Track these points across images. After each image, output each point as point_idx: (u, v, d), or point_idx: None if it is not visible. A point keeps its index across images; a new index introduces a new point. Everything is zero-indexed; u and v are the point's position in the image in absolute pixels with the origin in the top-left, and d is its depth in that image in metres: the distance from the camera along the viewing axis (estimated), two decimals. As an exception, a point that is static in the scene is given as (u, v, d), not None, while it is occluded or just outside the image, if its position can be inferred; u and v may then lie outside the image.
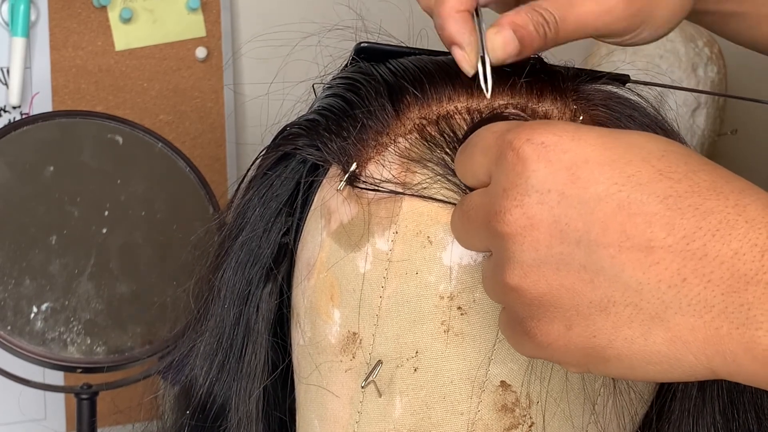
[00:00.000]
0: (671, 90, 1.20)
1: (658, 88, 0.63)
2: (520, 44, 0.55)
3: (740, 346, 0.41)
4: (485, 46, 0.55)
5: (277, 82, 0.68)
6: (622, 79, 0.61)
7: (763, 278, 0.41)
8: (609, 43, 0.62)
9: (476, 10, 0.56)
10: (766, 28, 0.70)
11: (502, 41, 0.55)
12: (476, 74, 0.55)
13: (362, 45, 0.59)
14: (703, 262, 0.42)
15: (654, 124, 0.59)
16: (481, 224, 0.47)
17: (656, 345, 0.43)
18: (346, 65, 0.60)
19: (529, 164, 0.45)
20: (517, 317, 0.47)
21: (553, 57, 0.60)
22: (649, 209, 0.43)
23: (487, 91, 0.55)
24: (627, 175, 0.44)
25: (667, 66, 1.23)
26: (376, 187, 0.55)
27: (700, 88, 1.25)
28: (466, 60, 0.55)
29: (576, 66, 0.60)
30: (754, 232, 0.42)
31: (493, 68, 0.55)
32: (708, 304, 0.42)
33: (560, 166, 0.45)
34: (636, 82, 0.61)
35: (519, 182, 0.45)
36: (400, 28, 0.64)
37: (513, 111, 0.55)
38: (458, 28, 0.55)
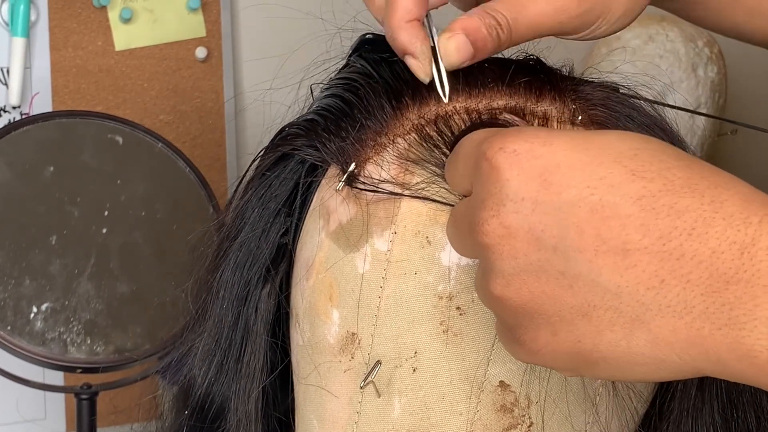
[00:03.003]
0: (671, 90, 1.20)
1: (658, 88, 0.63)
2: (474, 48, 0.55)
3: (723, 346, 0.41)
4: (439, 51, 0.55)
5: (279, 78, 0.68)
6: (611, 89, 0.60)
7: (743, 277, 0.41)
8: (568, 39, 0.62)
9: (427, 15, 0.56)
10: (728, 13, 0.69)
11: (455, 46, 0.55)
12: (432, 81, 0.55)
13: (367, 36, 0.59)
14: (681, 263, 0.42)
15: (653, 123, 0.59)
16: (467, 234, 0.47)
17: (639, 347, 0.43)
18: (349, 57, 0.60)
19: (502, 173, 0.45)
20: (507, 325, 0.47)
21: (553, 57, 0.60)
22: (622, 211, 0.43)
23: (444, 96, 0.55)
24: (599, 177, 0.44)
25: (667, 66, 1.23)
26: (375, 188, 0.55)
27: (700, 88, 1.25)
28: (420, 68, 0.55)
29: (575, 65, 0.60)
30: (732, 230, 0.41)
31: (449, 72, 0.55)
32: (688, 305, 0.42)
33: (533, 173, 0.45)
34: (626, 95, 0.60)
35: (494, 192, 0.45)
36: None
37: (506, 116, 0.55)
38: (409, 38, 0.55)
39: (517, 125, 0.54)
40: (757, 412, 0.57)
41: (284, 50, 0.77)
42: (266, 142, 0.61)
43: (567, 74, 0.59)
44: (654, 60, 1.22)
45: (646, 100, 0.60)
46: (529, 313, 0.45)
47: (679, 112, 0.65)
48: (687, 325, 0.42)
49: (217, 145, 1.33)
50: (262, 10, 1.33)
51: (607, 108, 0.58)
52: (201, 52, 1.31)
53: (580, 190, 0.44)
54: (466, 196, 0.49)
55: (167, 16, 1.29)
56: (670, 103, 0.63)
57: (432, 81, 0.55)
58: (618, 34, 1.35)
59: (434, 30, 0.56)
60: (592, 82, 0.59)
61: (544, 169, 0.44)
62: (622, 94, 0.59)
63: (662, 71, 1.21)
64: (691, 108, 1.23)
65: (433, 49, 0.55)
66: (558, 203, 0.44)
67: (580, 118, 0.56)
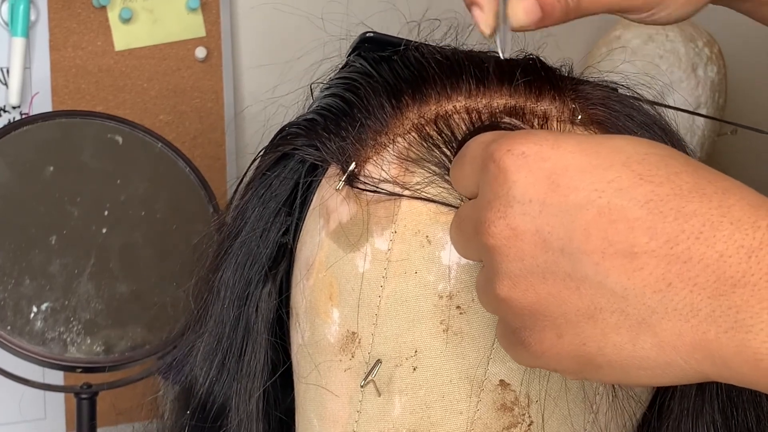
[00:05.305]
0: (671, 89, 1.20)
1: (658, 87, 0.63)
2: (542, 12, 0.55)
3: (729, 349, 0.41)
4: (506, 10, 0.54)
5: (280, 79, 0.68)
6: (610, 88, 0.60)
7: (750, 280, 0.41)
8: (629, 19, 0.61)
9: None
10: None
11: (524, 8, 0.54)
12: (493, 39, 0.55)
13: (368, 34, 0.59)
14: (688, 266, 0.42)
15: (653, 123, 0.59)
16: (472, 236, 0.47)
17: (644, 350, 0.43)
18: (349, 56, 0.60)
19: (509, 175, 0.45)
20: (511, 328, 0.47)
21: (552, 56, 0.60)
22: (630, 214, 0.43)
23: (503, 53, 0.55)
24: (607, 181, 0.44)
25: (667, 66, 1.23)
26: (375, 188, 0.55)
27: (700, 88, 1.25)
28: (483, 20, 0.55)
29: (574, 63, 0.60)
30: (740, 233, 0.41)
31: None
32: (694, 308, 0.42)
33: (541, 175, 0.45)
34: (624, 96, 0.60)
35: (501, 193, 0.45)
36: (401, 33, 0.64)
37: (508, 120, 0.55)
38: None
39: (523, 129, 0.54)
40: (757, 410, 0.58)
41: (284, 50, 0.77)
42: (266, 141, 0.61)
43: (566, 74, 0.59)
44: (654, 60, 1.22)
45: (645, 100, 0.60)
46: (534, 315, 0.45)
47: (679, 111, 0.65)
48: (693, 329, 0.42)
49: (217, 145, 1.33)
50: (262, 10, 1.33)
51: (606, 107, 0.58)
52: (201, 52, 1.31)
53: (588, 192, 0.44)
54: (470, 198, 0.49)
55: (167, 16, 1.29)
56: (670, 102, 0.63)
57: (492, 37, 0.55)
58: (618, 33, 1.35)
59: None
60: (591, 81, 0.59)
61: (552, 172, 0.44)
62: (621, 93, 0.59)
63: (662, 71, 1.21)
64: (691, 108, 1.23)
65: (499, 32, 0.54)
66: (566, 206, 0.44)
67: (579, 117, 0.56)
